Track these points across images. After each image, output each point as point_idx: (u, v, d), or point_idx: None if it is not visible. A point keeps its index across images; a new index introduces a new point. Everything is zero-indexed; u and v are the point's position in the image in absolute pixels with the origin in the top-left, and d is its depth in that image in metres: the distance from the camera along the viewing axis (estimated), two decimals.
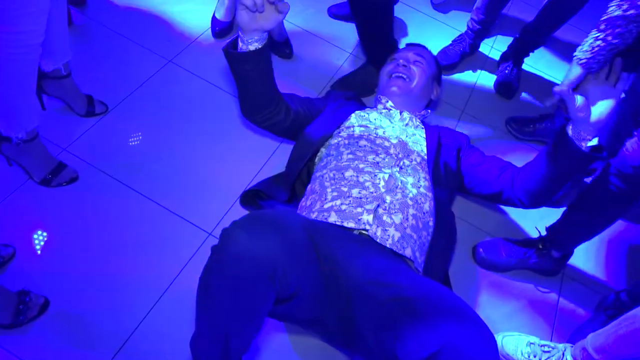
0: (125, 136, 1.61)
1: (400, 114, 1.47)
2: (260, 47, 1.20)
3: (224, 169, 1.61)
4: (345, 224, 1.19)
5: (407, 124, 1.46)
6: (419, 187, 1.29)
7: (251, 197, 1.50)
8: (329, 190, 1.26)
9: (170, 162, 1.59)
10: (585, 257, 1.71)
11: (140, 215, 1.46)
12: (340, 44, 2.14)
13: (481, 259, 1.60)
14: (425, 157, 1.38)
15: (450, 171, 1.40)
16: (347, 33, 2.18)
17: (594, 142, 1.16)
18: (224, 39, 1.98)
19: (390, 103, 1.51)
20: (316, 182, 1.33)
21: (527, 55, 2.15)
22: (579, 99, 1.12)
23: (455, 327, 0.90)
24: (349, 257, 1.09)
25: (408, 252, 1.19)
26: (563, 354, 1.35)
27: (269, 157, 1.68)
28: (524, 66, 2.18)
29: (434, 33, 2.30)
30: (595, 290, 1.65)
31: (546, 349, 1.38)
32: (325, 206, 1.23)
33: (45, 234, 1.37)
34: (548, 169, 1.24)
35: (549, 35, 2.05)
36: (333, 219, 1.20)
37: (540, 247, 1.57)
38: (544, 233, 1.61)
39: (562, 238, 1.55)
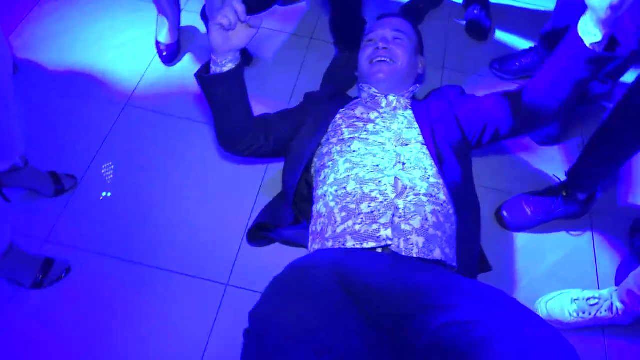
0: (105, 205, 1.48)
1: (386, 98, 1.36)
2: (234, 67, 1.16)
3: (219, 209, 1.49)
4: (365, 245, 1.10)
5: (395, 108, 1.35)
6: (429, 178, 1.20)
7: (257, 232, 1.40)
8: (336, 211, 1.17)
9: (160, 219, 1.46)
10: (608, 187, 1.63)
11: (149, 287, 1.34)
12: (297, 31, 1.98)
13: (508, 222, 1.52)
14: (423, 140, 1.27)
15: (454, 141, 1.30)
16: (299, 17, 2.02)
17: (598, 38, 0.99)
18: (174, 63, 1.82)
19: (373, 90, 1.39)
20: (320, 203, 1.23)
21: None
22: None
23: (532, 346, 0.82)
24: (385, 287, 1.00)
25: (437, 254, 1.11)
26: (611, 303, 1.30)
27: (261, 181, 1.56)
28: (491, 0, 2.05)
29: None
30: (627, 216, 1.58)
31: (592, 301, 1.33)
32: (338, 230, 1.14)
33: (54, 339, 1.25)
34: (554, 74, 1.12)
35: None
36: (351, 243, 1.12)
37: (564, 194, 1.49)
38: (563, 179, 1.53)
39: (585, 180, 1.47)
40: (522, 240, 1.52)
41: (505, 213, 1.53)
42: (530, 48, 1.86)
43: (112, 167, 1.55)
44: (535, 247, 1.51)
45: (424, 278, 1.03)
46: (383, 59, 1.38)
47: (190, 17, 1.95)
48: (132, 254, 1.39)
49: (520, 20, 2.09)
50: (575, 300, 1.34)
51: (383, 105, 1.35)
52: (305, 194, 1.38)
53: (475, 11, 2.01)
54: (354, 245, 1.11)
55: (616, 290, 1.32)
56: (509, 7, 2.13)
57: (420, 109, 1.35)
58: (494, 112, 1.28)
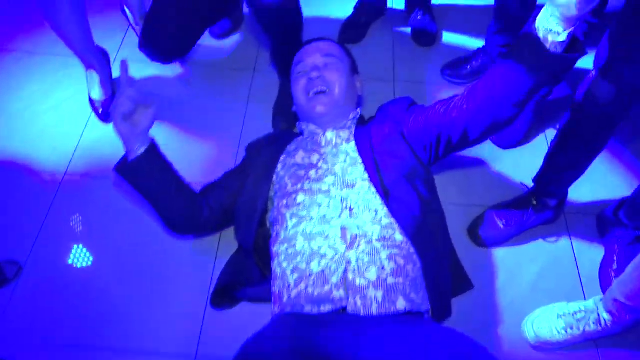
0: (56, 291, 1.36)
1: (324, 136, 1.27)
2: (148, 146, 1.15)
3: (177, 276, 1.39)
4: (323, 309, 1.02)
5: (336, 145, 1.25)
6: (380, 220, 1.10)
7: (221, 295, 1.31)
8: (288, 272, 1.09)
9: (116, 297, 1.35)
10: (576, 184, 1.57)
11: None
12: (239, 65, 1.89)
13: (481, 240, 1.46)
14: (369, 176, 1.16)
15: (404, 166, 1.19)
16: (239, 51, 1.94)
17: (563, 37, 0.91)
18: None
19: (312, 127, 1.31)
20: (275, 262, 1.16)
21: None
22: None
23: None
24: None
25: (401, 305, 1.02)
26: (598, 315, 1.24)
27: (219, 239, 1.47)
28: (433, 2, 1.98)
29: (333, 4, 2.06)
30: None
31: (579, 315, 1.27)
32: (293, 295, 1.07)
33: None
34: (508, 74, 1.00)
35: None
36: (308, 308, 1.04)
37: (535, 202, 1.43)
38: (531, 186, 1.47)
39: (553, 186, 1.41)
40: (499, 255, 1.46)
41: (478, 231, 1.46)
42: (479, 49, 1.80)
43: (57, 247, 1.44)
44: (513, 260, 1.45)
45: (389, 340, 0.94)
46: (320, 89, 1.29)
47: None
48: (89, 338, 1.29)
49: (465, 19, 2.03)
50: (561, 316, 1.28)
51: (323, 144, 1.27)
52: (265, 247, 1.29)
53: (419, 17, 1.94)
54: (311, 310, 1.03)
55: (601, 299, 1.26)
56: (452, 7, 2.07)
57: (363, 139, 1.25)
58: (444, 120, 1.16)
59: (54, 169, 1.59)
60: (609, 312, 1.22)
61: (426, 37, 1.94)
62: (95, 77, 1.69)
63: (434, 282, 1.12)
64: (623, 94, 1.11)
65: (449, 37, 1.97)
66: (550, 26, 0.90)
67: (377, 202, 1.13)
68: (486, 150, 1.65)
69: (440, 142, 1.21)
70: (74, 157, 1.62)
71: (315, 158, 1.24)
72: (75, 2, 1.46)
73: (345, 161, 1.21)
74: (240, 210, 1.28)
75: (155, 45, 1.59)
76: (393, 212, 1.12)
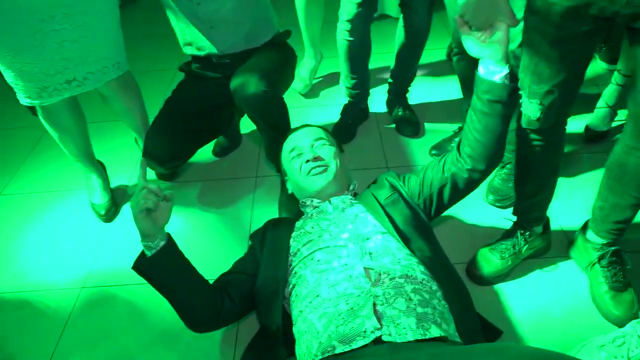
0: None
1: (330, 204, 1.35)
2: (166, 242, 1.18)
3: None
4: (354, 346, 0.99)
5: (342, 209, 1.34)
6: (399, 261, 1.15)
7: None
8: (315, 321, 1.08)
9: None
10: (560, 210, 1.64)
11: None
12: (241, 174, 2.03)
13: (480, 278, 1.48)
14: (382, 228, 1.25)
15: (412, 220, 1.29)
16: (240, 162, 2.10)
17: (505, 73, 1.14)
18: (114, 217, 1.83)
19: (315, 201, 1.39)
20: (299, 321, 1.14)
21: (407, 91, 2.19)
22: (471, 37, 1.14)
23: None
24: None
25: (435, 332, 1.01)
26: (638, 336, 1.20)
27: (236, 332, 1.45)
28: (410, 102, 2.21)
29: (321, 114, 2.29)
30: None
31: (619, 341, 1.22)
32: (323, 340, 1.04)
33: None
34: (479, 119, 1.21)
35: (414, 68, 2.11)
36: (340, 349, 1.00)
37: (522, 232, 1.49)
38: (514, 219, 1.54)
39: (532, 213, 1.48)
40: (505, 291, 1.47)
41: (474, 269, 1.49)
42: (459, 127, 1.96)
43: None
44: (520, 296, 1.45)
45: (429, 354, 0.93)
46: (318, 166, 1.39)
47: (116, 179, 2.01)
48: None
49: (441, 110, 2.24)
50: (601, 347, 1.23)
51: (330, 211, 1.34)
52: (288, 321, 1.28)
53: (400, 112, 2.14)
54: (343, 350, 1.00)
55: (637, 321, 1.23)
56: (427, 104, 2.29)
57: (367, 200, 1.35)
58: (437, 178, 1.32)
59: (70, 285, 1.62)
60: None
61: (410, 128, 2.11)
62: (96, 182, 1.85)
63: (461, 318, 1.12)
64: (550, 112, 1.23)
65: (430, 126, 2.16)
66: (494, 69, 1.15)
67: (393, 247, 1.19)
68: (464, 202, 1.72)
69: (438, 197, 1.33)
70: (90, 273, 1.66)
71: (325, 224, 1.31)
72: (76, 114, 1.68)
73: (354, 220, 1.29)
74: (261, 293, 1.27)
75: (153, 157, 1.74)
76: (413, 252, 1.19)
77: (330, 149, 1.44)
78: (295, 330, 1.16)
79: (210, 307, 1.24)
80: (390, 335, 0.99)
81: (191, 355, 1.39)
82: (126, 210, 1.90)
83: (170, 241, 1.19)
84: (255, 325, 1.34)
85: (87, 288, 1.61)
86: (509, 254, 1.48)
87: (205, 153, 2.07)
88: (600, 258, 1.40)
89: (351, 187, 1.44)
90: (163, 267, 1.18)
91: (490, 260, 1.49)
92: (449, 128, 2.06)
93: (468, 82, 1.78)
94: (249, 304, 1.31)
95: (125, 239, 1.78)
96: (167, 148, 1.72)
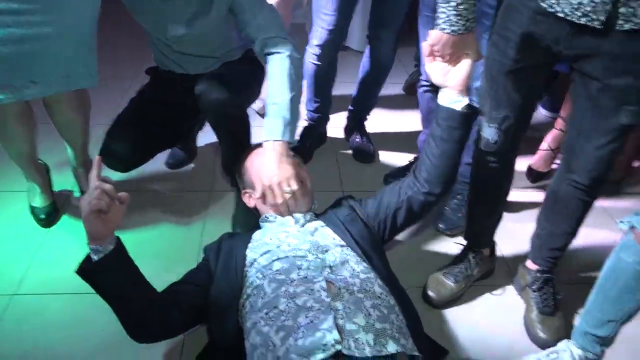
0: None
1: (293, 217, 1.36)
2: (115, 245, 1.11)
3: None
4: None
5: (303, 224, 1.35)
6: (358, 275, 1.16)
7: None
8: (272, 334, 1.06)
9: None
10: (502, 240, 1.71)
11: None
12: (195, 187, 1.99)
13: (437, 301, 1.53)
14: (341, 242, 1.28)
15: (369, 239, 1.33)
16: (195, 174, 2.06)
17: (464, 102, 1.25)
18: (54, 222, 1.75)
19: (280, 218, 1.39)
20: (252, 333, 1.11)
21: (366, 119, 2.24)
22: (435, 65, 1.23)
23: None
24: None
25: (392, 347, 1.02)
26: (570, 351, 1.28)
27: (182, 347, 1.39)
28: (369, 130, 2.27)
29: None
30: None
31: (552, 356, 1.30)
32: (280, 354, 1.02)
33: None
34: (437, 145, 1.30)
35: (375, 97, 2.18)
36: None
37: (473, 255, 1.57)
38: (464, 243, 1.61)
39: (482, 237, 1.57)
40: (452, 315, 1.51)
41: (430, 292, 1.54)
42: (415, 157, 2.03)
43: None
44: (468, 317, 1.51)
45: None
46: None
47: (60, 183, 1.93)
48: None
49: (397, 141, 2.31)
50: None
51: (291, 224, 1.35)
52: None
53: (357, 139, 2.20)
54: None
55: (569, 340, 1.30)
56: (384, 133, 2.36)
57: (327, 217, 1.39)
58: (394, 201, 1.37)
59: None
60: (581, 347, 1.24)
61: (366, 155, 2.17)
62: (37, 185, 1.77)
63: (417, 334, 1.15)
64: (507, 136, 1.33)
65: (385, 155, 2.22)
66: (454, 100, 1.26)
67: (352, 261, 1.21)
68: (414, 229, 1.80)
69: (392, 219, 1.38)
70: (22, 280, 1.55)
71: (283, 235, 1.30)
72: (26, 119, 1.59)
73: (314, 234, 1.30)
74: (214, 304, 1.23)
75: (114, 154, 1.67)
76: (373, 267, 1.21)
77: (304, 169, 1.48)
78: (247, 343, 1.13)
79: (157, 317, 1.18)
80: (349, 349, 0.99)
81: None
82: (70, 214, 1.81)
83: (119, 245, 1.13)
84: (203, 338, 1.29)
85: (19, 296, 1.49)
86: (462, 276, 1.54)
87: (157, 163, 2.01)
88: (532, 283, 1.48)
89: (313, 207, 1.46)
90: (110, 272, 1.11)
91: (445, 284, 1.54)
92: (404, 157, 2.12)
93: (430, 114, 1.86)
94: (198, 316, 1.26)
95: (65, 246, 1.68)
96: (129, 146, 1.65)
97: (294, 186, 1.34)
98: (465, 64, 1.23)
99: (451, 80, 1.24)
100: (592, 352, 1.25)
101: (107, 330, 1.39)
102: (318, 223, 1.35)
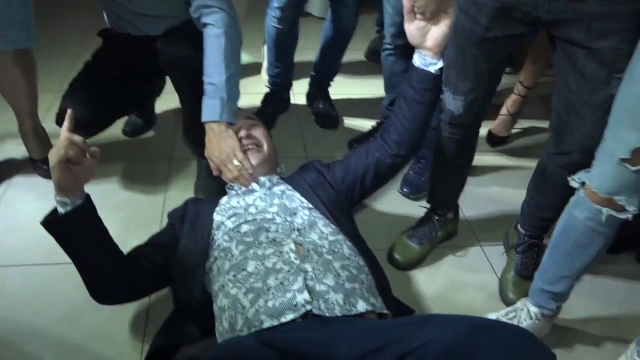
0: None
1: (258, 183, 1.35)
2: (83, 200, 1.08)
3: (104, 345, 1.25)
4: (283, 320, 0.98)
5: (269, 187, 1.33)
6: (327, 237, 1.16)
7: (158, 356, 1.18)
8: (240, 296, 1.05)
9: None
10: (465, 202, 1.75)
11: None
12: (154, 156, 1.92)
13: (403, 264, 1.55)
14: (309, 204, 1.28)
15: (336, 202, 1.33)
16: (154, 141, 2.00)
17: (439, 65, 1.25)
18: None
19: (238, 186, 1.37)
20: (220, 297, 1.10)
21: (329, 85, 2.22)
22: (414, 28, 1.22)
23: (493, 345, 0.76)
24: (322, 348, 0.89)
25: (362, 306, 1.03)
26: (528, 309, 1.32)
27: (147, 313, 1.36)
28: (332, 97, 2.24)
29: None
30: (501, 219, 1.73)
31: (510, 315, 1.34)
32: (250, 315, 1.01)
33: None
34: (409, 107, 1.30)
35: (338, 63, 2.15)
36: (268, 323, 0.98)
37: (437, 218, 1.59)
38: (429, 206, 1.63)
39: (444, 200, 1.58)
40: (421, 277, 1.53)
41: (396, 255, 1.56)
42: (378, 123, 2.03)
43: None
44: (432, 278, 1.53)
45: (358, 326, 0.94)
46: (251, 145, 1.39)
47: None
48: None
49: (360, 107, 2.30)
50: None
51: (257, 188, 1.33)
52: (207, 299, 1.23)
53: (320, 105, 2.17)
54: (271, 324, 0.98)
55: (526, 298, 1.34)
56: (347, 99, 2.34)
57: (294, 180, 1.37)
58: (361, 164, 1.38)
59: None
60: (537, 305, 1.29)
61: (329, 121, 2.15)
62: None
63: (385, 292, 1.18)
64: (471, 108, 1.31)
65: (349, 121, 2.21)
66: (429, 61, 1.25)
67: (320, 223, 1.20)
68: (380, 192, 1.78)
69: (361, 182, 1.38)
70: None
71: (251, 199, 1.29)
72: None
73: (282, 197, 1.29)
74: (180, 266, 1.21)
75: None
76: (341, 228, 1.21)
77: (263, 130, 1.45)
78: (215, 306, 1.12)
79: (121, 277, 1.16)
80: (319, 309, 0.99)
81: (98, 334, 1.28)
82: (13, 187, 1.72)
83: (88, 201, 1.10)
84: (168, 305, 1.27)
85: None
86: (426, 239, 1.56)
87: (114, 131, 1.93)
88: (518, 245, 1.50)
89: (278, 170, 1.45)
90: (77, 227, 1.09)
91: (409, 246, 1.56)
92: (368, 124, 2.12)
93: (393, 78, 1.86)
94: (162, 279, 1.24)
95: (15, 217, 1.60)
96: (87, 112, 1.57)
97: (240, 157, 1.34)
98: (444, 25, 1.21)
99: (429, 41, 1.22)
100: (548, 308, 1.28)
101: (67, 302, 1.35)
102: (285, 186, 1.34)
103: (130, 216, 1.65)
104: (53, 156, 1.02)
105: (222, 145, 1.35)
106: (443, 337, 0.80)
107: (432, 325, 0.86)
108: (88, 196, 1.10)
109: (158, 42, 1.49)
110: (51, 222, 1.07)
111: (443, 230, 1.59)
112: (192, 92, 1.54)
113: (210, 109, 1.38)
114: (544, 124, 1.40)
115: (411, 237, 1.57)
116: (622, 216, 1.07)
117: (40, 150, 1.77)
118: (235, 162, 1.34)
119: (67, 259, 1.42)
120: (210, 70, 1.40)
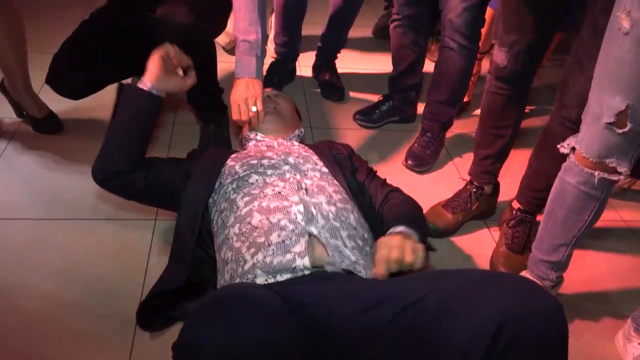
0: None
1: (276, 140, 1.37)
2: (160, 96, 1.22)
3: (98, 301, 1.24)
4: (279, 278, 0.97)
5: (287, 146, 1.34)
6: (335, 203, 1.13)
7: (152, 311, 1.17)
8: (243, 249, 1.04)
9: (35, 320, 1.16)
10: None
11: None
12: (159, 120, 1.89)
13: (434, 231, 1.54)
14: (324, 168, 1.26)
15: (352, 179, 1.31)
16: None
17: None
18: None
19: (261, 134, 1.40)
20: (223, 250, 1.09)
21: (336, 57, 2.19)
22: None
23: (495, 296, 0.75)
24: (320, 300, 0.88)
25: (364, 276, 1.00)
26: None
27: (148, 254, 1.36)
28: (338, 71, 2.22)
29: None
30: None
31: None
32: (247, 267, 1.00)
33: None
34: None
35: (345, 34, 2.12)
36: (262, 279, 0.98)
37: (475, 190, 1.57)
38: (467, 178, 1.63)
39: (485, 169, 1.56)
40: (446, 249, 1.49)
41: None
42: (384, 96, 2.01)
43: None
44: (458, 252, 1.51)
45: (359, 283, 0.95)
46: (270, 106, 1.44)
47: None
48: None
49: (366, 81, 2.28)
50: None
51: (275, 146, 1.35)
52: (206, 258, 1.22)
53: (326, 77, 2.15)
54: (266, 280, 0.98)
55: (526, 271, 1.33)
56: (353, 75, 2.32)
57: (318, 147, 1.37)
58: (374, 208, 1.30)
59: None
60: (537, 277, 1.28)
61: (336, 92, 2.13)
62: None
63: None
64: (517, 62, 1.30)
65: (355, 94, 2.19)
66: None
67: (330, 189, 1.18)
68: (383, 165, 1.78)
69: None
70: None
71: (267, 153, 1.28)
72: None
73: (298, 157, 1.28)
74: (185, 202, 1.22)
75: (62, 81, 1.57)
76: (354, 198, 1.20)
77: (287, 100, 1.52)
78: (218, 259, 1.12)
79: (131, 161, 1.20)
80: (319, 272, 0.98)
81: (95, 290, 1.26)
82: (12, 144, 1.70)
83: (160, 100, 1.22)
84: (167, 260, 1.26)
85: None
86: (460, 210, 1.56)
87: (113, 92, 1.90)
88: (510, 219, 1.49)
89: (297, 132, 1.47)
90: (140, 102, 1.19)
91: (443, 215, 1.56)
92: (373, 97, 2.10)
93: (401, 50, 1.83)
94: (155, 192, 1.24)
95: (14, 173, 1.59)
96: (80, 74, 1.55)
97: (259, 107, 1.39)
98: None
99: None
100: (548, 279, 1.27)
101: (64, 257, 1.34)
102: (305, 149, 1.34)
103: None
104: (160, 48, 1.20)
105: (248, 91, 1.40)
106: (447, 287, 0.80)
107: (434, 278, 0.85)
108: (162, 99, 1.22)
109: (159, 10, 1.47)
110: (126, 88, 1.20)
111: (480, 204, 1.58)
112: (193, 63, 1.53)
113: (246, 65, 1.42)
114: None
115: (445, 207, 1.57)
116: (615, 177, 1.06)
117: (37, 109, 1.75)
118: (253, 108, 1.39)
119: (66, 215, 1.45)
120: (244, 28, 1.43)
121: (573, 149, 1.10)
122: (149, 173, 1.21)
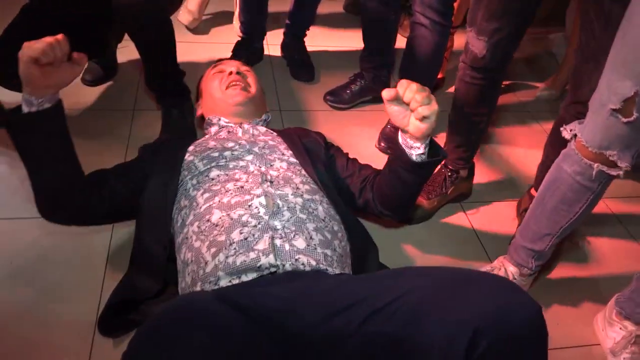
0: None
1: (241, 127, 1.26)
2: (51, 105, 0.99)
3: (60, 306, 1.16)
4: (244, 278, 0.91)
5: (252, 135, 1.25)
6: (302, 194, 1.06)
7: (113, 317, 1.10)
8: (203, 249, 0.96)
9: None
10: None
11: None
12: (116, 106, 1.79)
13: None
14: (291, 158, 1.18)
15: (324, 165, 1.25)
16: (117, 92, 1.86)
17: (421, 150, 1.04)
18: None
19: (223, 120, 1.29)
20: (183, 250, 1.02)
21: (305, 35, 2.10)
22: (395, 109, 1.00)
23: (471, 299, 0.70)
24: (283, 306, 0.82)
25: (332, 273, 0.95)
26: (504, 269, 1.27)
27: (106, 258, 1.27)
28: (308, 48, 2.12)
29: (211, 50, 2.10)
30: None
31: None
32: (208, 269, 0.93)
33: None
34: (392, 181, 1.15)
35: (314, 9, 2.03)
36: (225, 281, 0.91)
37: (449, 174, 1.53)
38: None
39: (460, 153, 1.50)
40: (410, 231, 1.46)
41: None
42: (355, 75, 1.93)
43: None
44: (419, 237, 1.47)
45: (329, 283, 0.89)
46: (238, 83, 1.32)
47: None
48: None
49: (337, 59, 2.19)
50: None
51: (240, 134, 1.25)
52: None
53: (296, 56, 2.06)
54: (230, 281, 0.91)
55: (505, 257, 1.30)
56: (323, 52, 2.23)
57: (286, 135, 1.28)
58: (354, 192, 1.27)
59: None
60: (516, 264, 1.24)
61: (305, 72, 2.04)
62: None
63: (365, 261, 1.13)
64: (496, 51, 1.24)
65: (325, 73, 2.10)
66: (410, 143, 1.04)
67: (297, 179, 1.11)
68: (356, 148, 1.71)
69: (349, 200, 1.26)
70: None
71: (230, 144, 1.20)
72: None
73: (264, 147, 1.20)
74: (148, 206, 1.13)
75: (7, 75, 1.42)
76: (321, 188, 1.12)
77: (255, 77, 1.41)
78: (178, 260, 1.04)
79: (76, 193, 1.07)
80: (286, 270, 0.92)
81: (51, 293, 1.18)
82: None
83: (57, 107, 1.01)
84: (127, 261, 1.18)
85: None
86: (435, 195, 1.50)
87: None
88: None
89: (264, 117, 1.38)
90: (37, 130, 0.99)
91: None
92: (344, 76, 2.01)
93: (372, 25, 1.75)
94: (119, 211, 1.16)
95: None
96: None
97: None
98: (432, 117, 0.97)
99: (411, 127, 1.00)
100: (527, 267, 1.24)
101: (18, 260, 1.25)
102: (271, 138, 1.25)
103: (91, 167, 1.52)
104: (25, 49, 0.93)
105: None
106: (421, 289, 0.75)
107: (408, 278, 0.80)
108: (59, 102, 1.01)
109: None
110: (11, 121, 0.98)
111: (455, 187, 1.52)
112: (150, 43, 1.44)
113: None
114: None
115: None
116: (614, 172, 1.01)
117: None
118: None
119: (19, 214, 1.35)
120: None
121: (575, 135, 1.05)
122: (102, 199, 1.10)
